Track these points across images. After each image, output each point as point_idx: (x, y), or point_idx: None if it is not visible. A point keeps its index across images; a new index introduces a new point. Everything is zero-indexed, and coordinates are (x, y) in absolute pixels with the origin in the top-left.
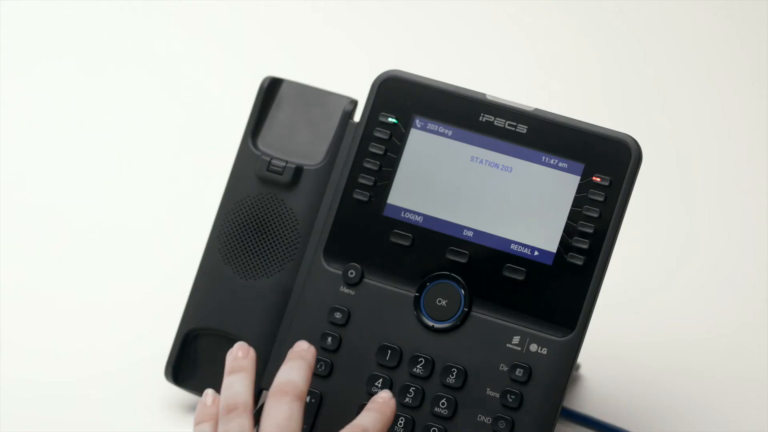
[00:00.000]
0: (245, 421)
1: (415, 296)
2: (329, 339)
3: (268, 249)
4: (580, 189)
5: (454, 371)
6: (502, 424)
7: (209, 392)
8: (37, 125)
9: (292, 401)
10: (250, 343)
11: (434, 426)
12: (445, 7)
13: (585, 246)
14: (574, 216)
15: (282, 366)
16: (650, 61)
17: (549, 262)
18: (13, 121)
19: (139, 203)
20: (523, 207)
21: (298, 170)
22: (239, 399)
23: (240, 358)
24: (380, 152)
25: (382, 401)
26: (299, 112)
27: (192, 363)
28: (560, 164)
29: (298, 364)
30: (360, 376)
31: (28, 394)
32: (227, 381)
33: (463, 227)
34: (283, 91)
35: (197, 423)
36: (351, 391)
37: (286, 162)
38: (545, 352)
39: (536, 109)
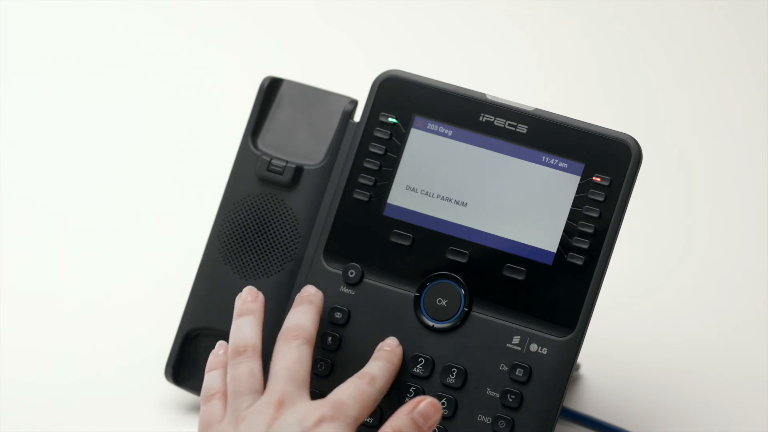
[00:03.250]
0: (254, 363)
1: (415, 296)
2: (329, 339)
3: (268, 249)
4: (580, 189)
5: (454, 371)
6: (502, 424)
7: (221, 343)
8: (37, 125)
9: (301, 344)
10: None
11: None
12: (445, 7)
13: (585, 246)
14: (574, 216)
15: (291, 310)
16: (650, 61)
17: (549, 262)
18: (13, 122)
19: (139, 203)
20: (523, 207)
21: (298, 170)
22: (248, 341)
23: (249, 301)
24: (380, 152)
25: (390, 349)
26: (299, 112)
27: (192, 363)
28: (560, 164)
29: (306, 308)
30: None
31: (28, 395)
32: (236, 324)
33: (463, 227)
34: (283, 91)
35: (208, 371)
36: None
37: (286, 162)
38: (545, 352)
39: (536, 109)
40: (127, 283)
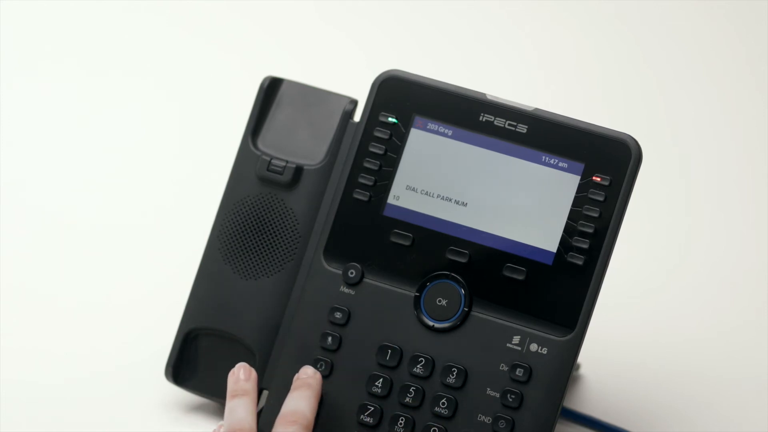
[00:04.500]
0: None
1: (416, 296)
2: (329, 339)
3: (268, 249)
4: (580, 189)
5: (454, 371)
6: (502, 424)
7: (220, 425)
8: (37, 125)
9: (298, 430)
10: (251, 343)
11: (434, 426)
12: (445, 7)
13: (585, 246)
14: (574, 216)
15: (289, 394)
16: (650, 61)
17: (549, 261)
18: (13, 122)
19: (140, 203)
20: (523, 207)
21: (298, 170)
22: (244, 425)
23: (242, 380)
24: (380, 152)
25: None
26: (299, 112)
27: (192, 363)
28: (560, 164)
29: (305, 393)
30: (360, 376)
31: (28, 394)
32: (230, 405)
33: (463, 227)
34: (283, 90)
35: None
36: (351, 391)
37: (286, 162)
38: (545, 352)
39: (536, 109)
40: (127, 283)
